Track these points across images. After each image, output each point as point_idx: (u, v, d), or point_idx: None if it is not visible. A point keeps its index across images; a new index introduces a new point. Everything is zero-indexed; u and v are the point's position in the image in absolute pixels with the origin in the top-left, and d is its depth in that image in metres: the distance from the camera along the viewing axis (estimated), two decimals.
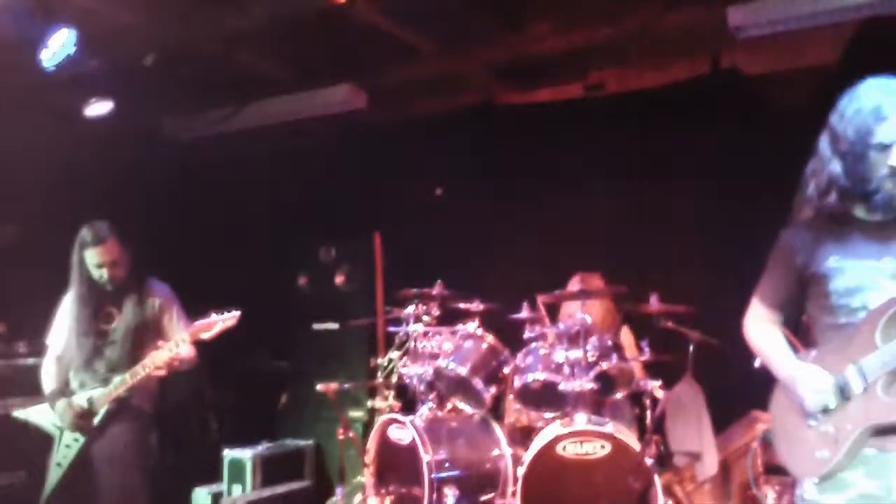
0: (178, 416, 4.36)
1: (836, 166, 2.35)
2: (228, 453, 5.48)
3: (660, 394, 4.20)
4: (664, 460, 4.31)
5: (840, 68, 4.76)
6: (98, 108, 5.10)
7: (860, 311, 2.31)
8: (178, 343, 3.74)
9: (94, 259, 3.84)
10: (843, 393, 2.30)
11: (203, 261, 5.72)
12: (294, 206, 6.28)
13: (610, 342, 4.25)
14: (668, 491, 3.90)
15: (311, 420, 5.98)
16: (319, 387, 4.81)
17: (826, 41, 4.84)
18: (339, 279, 6.01)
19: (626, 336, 4.81)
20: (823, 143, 2.42)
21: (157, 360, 3.72)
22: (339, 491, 4.72)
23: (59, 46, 3.96)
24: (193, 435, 5.78)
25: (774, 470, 4.05)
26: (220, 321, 3.79)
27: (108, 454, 3.80)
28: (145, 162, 5.83)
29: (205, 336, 3.77)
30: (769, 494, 4.05)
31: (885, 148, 2.24)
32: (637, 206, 5.41)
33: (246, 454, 5.39)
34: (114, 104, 5.17)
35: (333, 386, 4.84)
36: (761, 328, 2.63)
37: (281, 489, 5.30)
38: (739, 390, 4.67)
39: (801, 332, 2.69)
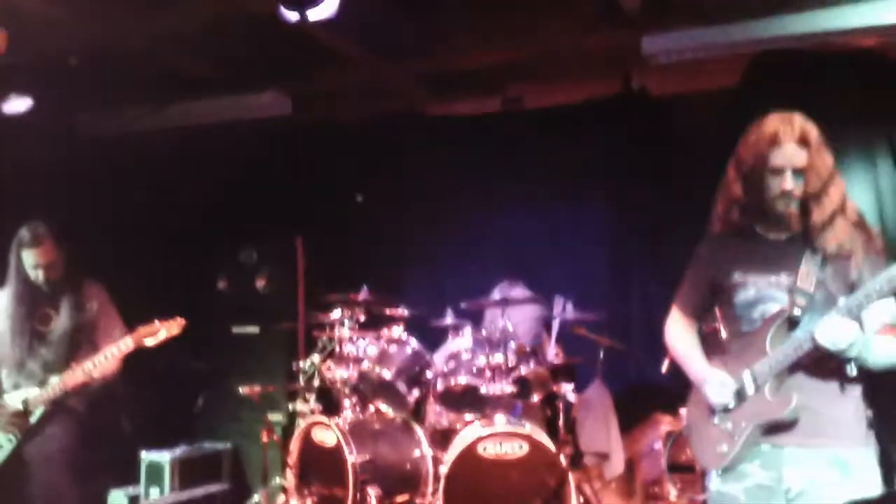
0: (90, 415, 4.31)
1: (738, 187, 2.62)
2: (146, 455, 5.43)
3: (572, 397, 4.45)
4: (574, 460, 4.55)
5: (738, 92, 5.14)
6: (16, 104, 4.97)
7: (759, 321, 2.58)
8: (119, 348, 3.75)
9: (30, 260, 3.81)
10: (740, 394, 2.56)
11: (120, 261, 5.60)
12: (215, 208, 6.26)
13: (528, 348, 4.47)
14: (577, 489, 4.12)
15: (226, 422, 5.97)
16: (243, 389, 4.85)
17: (727, 68, 5.21)
18: (259, 282, 6.03)
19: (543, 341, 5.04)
20: (730, 165, 2.68)
21: (97, 364, 3.73)
22: (260, 492, 4.76)
23: None
24: (106, 435, 5.68)
25: (677, 468, 4.34)
26: (165, 328, 3.82)
27: (43, 455, 3.78)
28: (59, 159, 5.69)
29: (148, 342, 3.80)
30: (672, 491, 4.34)
31: (778, 172, 2.51)
32: (553, 217, 5.64)
33: (164, 456, 5.36)
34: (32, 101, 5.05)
35: (257, 388, 4.89)
36: (679, 334, 2.88)
37: (199, 491, 5.27)
38: (644, 394, 5.00)
39: (702, 338, 2.95)
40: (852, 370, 2.45)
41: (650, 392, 4.94)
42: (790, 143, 2.49)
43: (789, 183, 2.49)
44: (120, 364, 3.90)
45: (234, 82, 5.69)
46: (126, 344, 3.78)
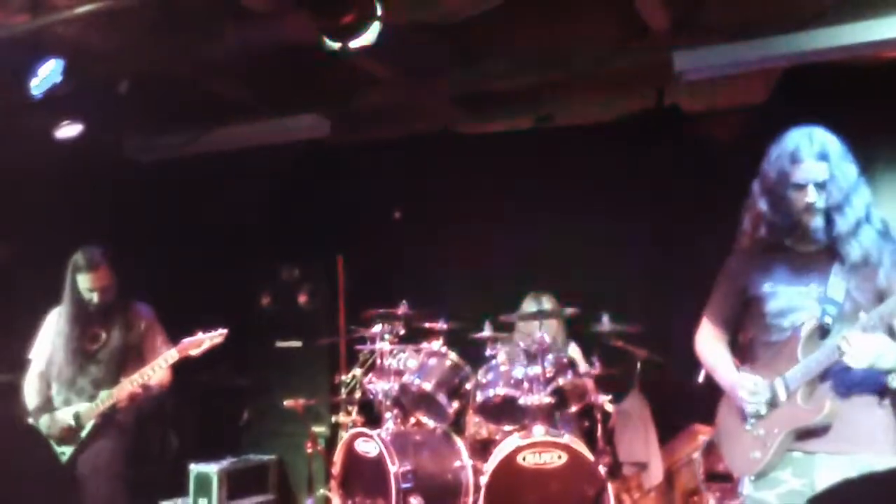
0: (139, 429, 4.49)
1: (763, 204, 2.72)
2: (195, 467, 5.57)
3: (610, 407, 4.52)
4: (613, 470, 4.61)
5: (768, 108, 5.21)
6: (69, 130, 5.17)
7: (789, 330, 2.66)
8: (166, 360, 3.92)
9: (86, 283, 4.00)
10: (772, 401, 2.64)
11: (167, 281, 5.80)
12: (258, 227, 6.44)
13: (565, 359, 4.55)
14: (616, 499, 4.17)
15: (271, 435, 6.11)
16: (287, 402, 4.99)
17: (758, 83, 5.27)
18: (301, 299, 6.19)
19: (574, 352, 5.11)
20: (755, 183, 2.79)
21: (143, 377, 3.89)
22: (309, 502, 4.88)
23: (46, 75, 4.08)
24: (154, 449, 5.86)
25: (715, 477, 4.38)
26: (208, 338, 3.99)
27: (93, 467, 3.95)
28: (107, 183, 5.91)
29: (193, 353, 3.96)
30: (710, 501, 4.37)
31: (800, 187, 2.60)
32: (585, 231, 5.73)
33: (212, 468, 5.50)
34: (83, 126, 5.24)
35: (300, 401, 5.03)
36: (709, 343, 2.99)
37: (246, 502, 5.43)
38: (682, 405, 5.03)
39: (737, 348, 3.02)
40: (894, 380, 2.51)
41: (688, 403, 4.96)
42: (810, 158, 2.58)
43: (811, 196, 2.58)
44: (170, 377, 4.07)
45: (274, 106, 5.87)
46: (171, 355, 3.95)
